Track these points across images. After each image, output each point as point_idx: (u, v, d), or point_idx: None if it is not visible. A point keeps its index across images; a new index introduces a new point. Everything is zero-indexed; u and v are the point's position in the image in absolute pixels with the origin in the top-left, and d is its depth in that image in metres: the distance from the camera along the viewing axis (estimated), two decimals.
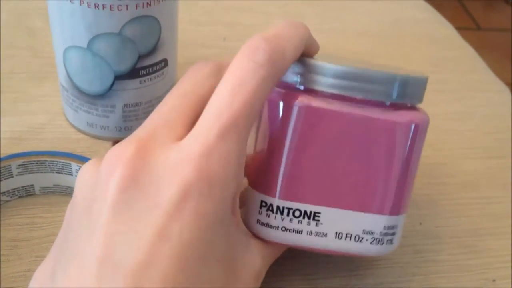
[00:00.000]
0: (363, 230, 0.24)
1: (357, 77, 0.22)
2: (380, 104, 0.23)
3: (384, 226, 0.24)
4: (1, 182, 0.28)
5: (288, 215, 0.23)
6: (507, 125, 0.40)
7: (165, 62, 0.31)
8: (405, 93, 0.23)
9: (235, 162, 0.19)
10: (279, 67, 0.20)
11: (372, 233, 0.24)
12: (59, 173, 0.29)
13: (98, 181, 0.19)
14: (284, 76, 0.23)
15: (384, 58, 0.44)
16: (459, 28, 0.51)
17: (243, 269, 0.21)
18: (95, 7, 0.27)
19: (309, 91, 0.23)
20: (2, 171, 0.28)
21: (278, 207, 0.23)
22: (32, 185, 0.29)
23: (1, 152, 0.31)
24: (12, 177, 0.28)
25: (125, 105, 0.31)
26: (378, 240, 0.24)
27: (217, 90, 0.20)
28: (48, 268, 0.20)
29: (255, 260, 0.22)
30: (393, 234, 0.24)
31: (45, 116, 0.34)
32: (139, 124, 0.32)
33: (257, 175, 0.24)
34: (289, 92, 0.23)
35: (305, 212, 0.23)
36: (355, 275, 0.28)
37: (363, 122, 0.22)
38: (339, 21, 0.47)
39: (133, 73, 0.30)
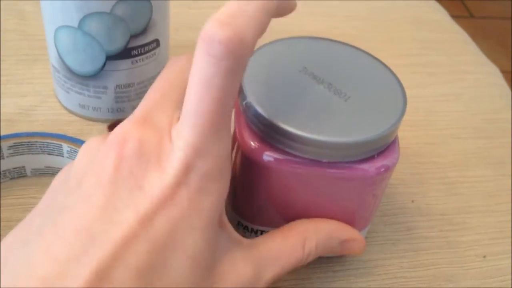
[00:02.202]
0: None
1: (323, 145, 0.22)
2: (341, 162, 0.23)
3: None
4: None
5: (262, 234, 0.26)
6: (495, 106, 0.40)
7: (157, 42, 0.31)
8: (365, 151, 0.23)
9: (223, 157, 0.20)
10: (240, 54, 0.18)
11: None
12: (50, 154, 0.29)
13: (96, 157, 0.20)
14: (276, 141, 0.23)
15: (374, 41, 0.44)
16: (452, 16, 0.51)
17: (223, 274, 0.21)
18: None
19: (286, 153, 0.23)
20: None
21: (252, 229, 0.26)
22: (24, 166, 0.29)
23: None
24: (3, 158, 0.28)
25: (117, 86, 0.31)
26: None
27: (186, 92, 0.19)
28: (19, 234, 0.19)
29: (241, 268, 0.21)
30: None
31: (36, 98, 0.34)
32: (131, 106, 0.32)
33: (236, 202, 0.26)
34: (272, 154, 0.23)
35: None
36: None
37: (323, 177, 0.23)
38: (329, 5, 0.47)
39: (125, 53, 0.30)
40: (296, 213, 0.25)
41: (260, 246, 0.23)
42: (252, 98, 0.23)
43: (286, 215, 0.25)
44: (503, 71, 0.45)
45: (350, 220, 0.26)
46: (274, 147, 0.23)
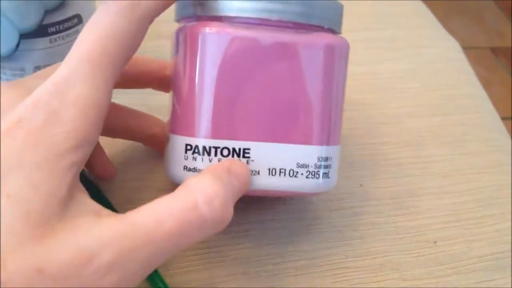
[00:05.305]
0: (297, 164, 0.23)
1: None
2: (295, 27, 0.22)
3: (318, 158, 0.23)
4: None
5: (216, 155, 0.22)
6: (453, 82, 0.38)
7: (78, 18, 0.28)
8: (320, 15, 0.22)
9: (86, 104, 0.19)
10: (131, 6, 0.20)
11: (306, 166, 0.23)
12: None
13: None
14: (205, 9, 0.22)
15: None
16: None
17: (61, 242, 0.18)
18: None
19: (223, 19, 0.21)
20: None
21: (204, 148, 0.22)
22: None
23: None
24: None
25: (36, 68, 0.28)
26: (313, 173, 0.23)
27: None
28: None
29: (83, 239, 0.18)
30: (328, 166, 0.24)
31: None
32: None
33: (178, 118, 0.23)
34: (202, 23, 0.22)
35: (234, 149, 0.22)
36: (289, 242, 0.26)
37: (278, 46, 0.22)
38: None
39: (41, 30, 0.27)
40: (252, 111, 0.22)
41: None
42: None
43: (240, 115, 0.22)
44: (478, 47, 0.43)
45: (308, 117, 0.23)
46: (219, 20, 0.21)
